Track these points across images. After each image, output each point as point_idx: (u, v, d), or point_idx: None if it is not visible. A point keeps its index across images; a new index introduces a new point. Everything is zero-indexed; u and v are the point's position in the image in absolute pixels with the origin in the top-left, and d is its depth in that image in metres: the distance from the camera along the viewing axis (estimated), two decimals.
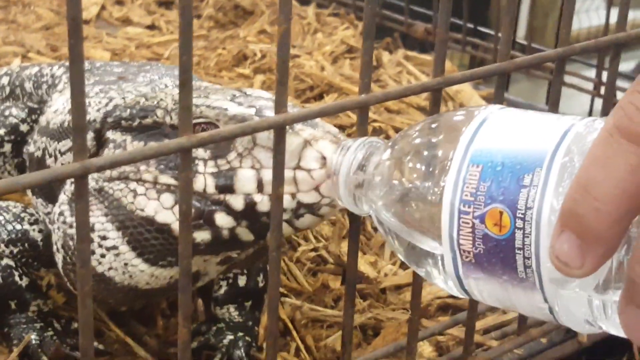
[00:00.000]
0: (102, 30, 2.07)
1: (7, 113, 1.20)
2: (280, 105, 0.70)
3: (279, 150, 0.71)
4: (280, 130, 0.70)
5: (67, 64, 1.24)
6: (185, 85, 0.64)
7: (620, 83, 1.76)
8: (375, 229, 1.24)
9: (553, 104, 0.90)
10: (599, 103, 1.84)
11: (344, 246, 1.18)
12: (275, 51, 1.85)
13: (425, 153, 0.67)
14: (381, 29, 2.03)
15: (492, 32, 1.96)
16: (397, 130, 1.53)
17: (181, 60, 0.64)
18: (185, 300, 0.71)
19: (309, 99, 1.66)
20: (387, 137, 1.50)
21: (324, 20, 2.08)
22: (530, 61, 0.86)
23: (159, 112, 0.85)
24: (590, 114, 1.87)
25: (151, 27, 2.13)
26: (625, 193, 0.51)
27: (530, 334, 1.00)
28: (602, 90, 1.81)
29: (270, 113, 0.81)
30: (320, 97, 1.66)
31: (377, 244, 1.22)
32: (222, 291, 1.05)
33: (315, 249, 1.19)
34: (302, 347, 1.02)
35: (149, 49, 1.97)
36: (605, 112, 0.97)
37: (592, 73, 1.80)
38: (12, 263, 0.98)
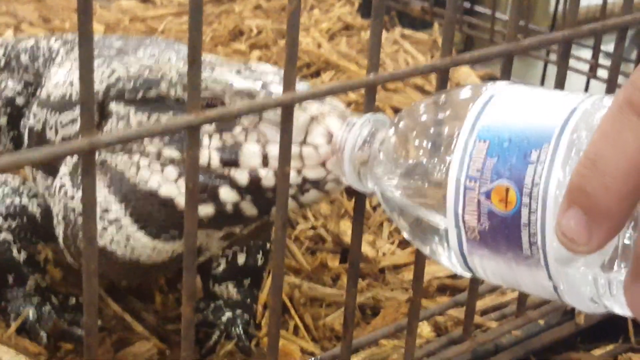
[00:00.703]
0: (96, 2, 2.05)
1: (2, 86, 1.19)
2: (288, 84, 0.69)
3: (286, 128, 0.70)
4: (288, 109, 0.69)
5: (65, 37, 1.23)
6: (194, 63, 0.63)
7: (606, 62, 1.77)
8: (374, 208, 1.24)
9: (558, 87, 0.89)
10: (594, 85, 1.85)
11: (343, 225, 1.18)
12: (271, 27, 1.84)
13: (432, 129, 0.67)
14: None
15: (487, 12, 1.95)
16: (394, 109, 1.52)
17: (191, 36, 0.63)
18: (189, 278, 0.70)
19: (305, 76, 1.65)
20: None
21: None
22: (537, 43, 0.86)
23: (163, 85, 0.83)
24: None
25: (145, 0, 2.11)
26: (635, 169, 0.50)
27: (528, 315, 1.01)
28: (599, 72, 1.81)
29: (276, 88, 0.80)
30: (317, 74, 1.66)
31: (375, 223, 1.22)
32: (220, 268, 1.05)
33: (313, 228, 1.18)
34: (300, 325, 1.02)
35: (143, 23, 1.96)
36: (609, 90, 0.96)
37: (582, 53, 1.79)
38: (10, 237, 0.98)
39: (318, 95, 0.72)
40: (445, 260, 0.68)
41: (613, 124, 0.51)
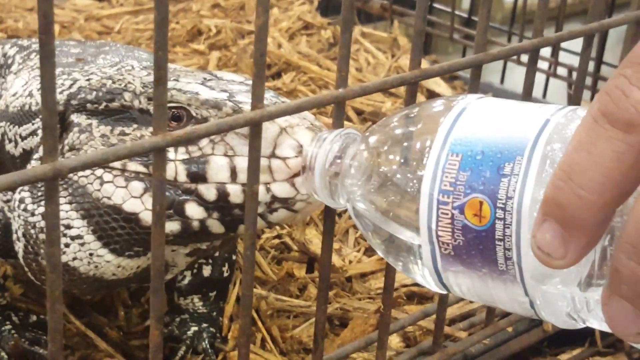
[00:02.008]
0: None
1: None
2: (257, 100, 0.67)
3: (254, 146, 0.68)
4: (256, 127, 0.68)
5: (20, 42, 1.20)
6: (160, 82, 0.61)
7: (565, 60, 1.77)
8: (339, 215, 1.23)
9: (527, 94, 0.89)
10: (553, 83, 1.86)
11: (309, 233, 1.16)
12: (230, 26, 1.81)
13: (404, 143, 0.66)
14: (337, 4, 2.01)
15: (447, 9, 1.94)
16: (357, 110, 1.51)
17: (156, 56, 0.61)
18: (157, 302, 0.68)
19: (266, 77, 1.63)
20: (347, 118, 1.48)
21: None
22: (506, 52, 0.85)
23: (127, 96, 0.81)
24: (544, 94, 1.87)
25: None
26: (610, 181, 0.49)
27: (497, 324, 1.00)
28: (558, 70, 1.81)
29: (242, 98, 0.78)
30: (278, 75, 1.64)
31: (341, 230, 1.21)
32: (186, 281, 1.03)
33: (279, 236, 1.17)
34: (267, 338, 1.01)
35: (98, 22, 1.92)
36: (576, 98, 0.96)
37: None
38: None
39: (287, 112, 0.70)
40: (419, 277, 0.66)
41: (588, 135, 0.50)
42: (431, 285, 0.66)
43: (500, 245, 0.58)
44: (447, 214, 0.60)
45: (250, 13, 1.90)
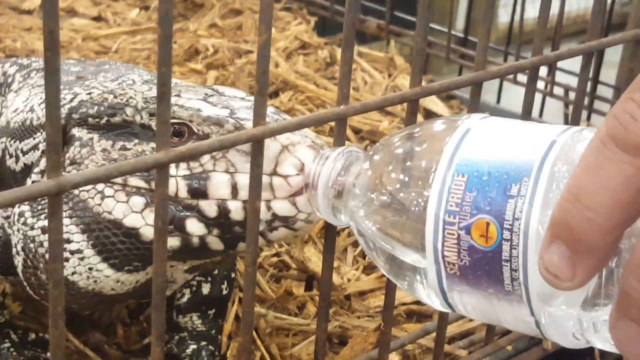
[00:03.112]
0: None
1: None
2: (259, 117, 0.68)
3: (257, 163, 0.69)
4: (259, 143, 0.68)
5: (20, 61, 1.20)
6: (163, 99, 0.61)
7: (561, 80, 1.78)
8: (338, 233, 1.23)
9: (526, 113, 0.89)
10: (550, 103, 1.86)
11: (307, 251, 1.16)
12: (227, 46, 1.81)
13: (408, 163, 0.66)
14: (334, 24, 2.02)
15: (443, 29, 1.94)
16: (355, 129, 1.51)
17: (160, 72, 0.61)
18: (158, 319, 0.68)
19: None
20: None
21: (276, 15, 2.05)
22: (506, 70, 0.85)
23: (129, 111, 0.81)
24: (541, 114, 1.88)
25: (97, 18, 2.07)
26: (619, 204, 0.49)
27: (497, 343, 1.00)
28: (555, 89, 1.82)
29: (244, 114, 0.79)
30: (275, 94, 1.64)
31: (339, 248, 1.20)
32: (185, 299, 1.02)
33: (277, 254, 1.17)
34: (267, 356, 1.00)
35: (96, 42, 1.92)
36: (575, 117, 0.97)
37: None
38: None
39: (289, 129, 0.71)
40: (424, 296, 0.66)
41: (596, 158, 0.50)
42: (436, 304, 0.66)
43: (506, 266, 0.58)
44: (453, 234, 0.60)
45: (247, 33, 1.91)
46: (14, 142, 0.92)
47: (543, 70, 1.81)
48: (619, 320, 0.52)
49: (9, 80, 1.15)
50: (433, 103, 1.67)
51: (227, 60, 1.77)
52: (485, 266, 0.59)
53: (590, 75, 1.69)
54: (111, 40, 1.92)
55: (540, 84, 1.81)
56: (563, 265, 0.52)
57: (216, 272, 1.03)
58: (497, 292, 0.60)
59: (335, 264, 1.17)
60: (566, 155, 0.58)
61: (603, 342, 0.57)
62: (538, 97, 1.84)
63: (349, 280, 1.14)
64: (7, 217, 0.94)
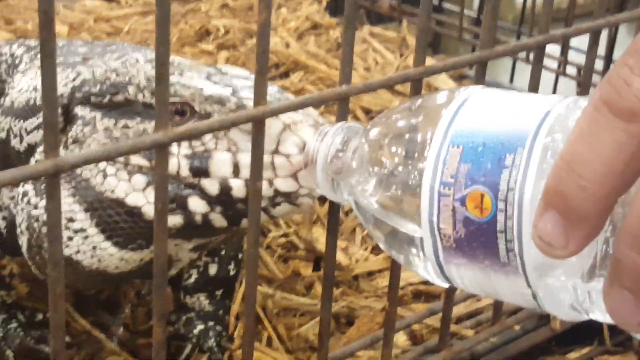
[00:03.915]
0: (59, 2, 2.01)
1: None
2: (259, 97, 0.67)
3: (258, 143, 0.68)
4: (259, 124, 0.68)
5: (28, 42, 1.20)
6: (161, 79, 0.61)
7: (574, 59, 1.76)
8: (347, 214, 1.23)
9: (532, 91, 0.88)
10: (563, 82, 1.85)
11: (315, 232, 1.16)
12: (239, 26, 1.81)
13: (405, 136, 0.65)
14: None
15: (455, 9, 1.93)
16: (365, 110, 1.51)
17: (157, 52, 0.61)
18: (159, 299, 0.68)
19: (274, 77, 1.63)
20: (355, 116, 1.48)
21: None
22: (512, 49, 0.85)
23: (131, 89, 0.81)
24: (554, 93, 1.86)
25: None
26: (612, 171, 0.48)
27: (504, 322, 1.00)
28: (567, 69, 1.80)
29: (246, 93, 0.78)
30: (286, 74, 1.64)
31: (347, 229, 1.20)
32: (192, 280, 1.03)
33: (285, 235, 1.17)
34: (274, 336, 1.01)
35: (107, 23, 1.93)
36: (583, 95, 0.95)
37: (550, 49, 1.77)
38: None
39: (290, 109, 0.71)
40: (422, 270, 0.66)
41: (589, 124, 0.49)
42: (433, 278, 0.66)
43: (501, 237, 0.58)
44: (448, 206, 0.60)
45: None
46: (18, 121, 0.93)
47: (556, 50, 1.80)
48: (611, 288, 0.51)
49: (17, 61, 1.15)
50: (444, 83, 1.66)
51: (238, 40, 1.76)
52: (480, 238, 0.59)
53: (605, 53, 1.68)
54: (123, 21, 1.92)
55: (554, 63, 1.80)
56: (556, 233, 0.51)
57: (223, 252, 1.03)
58: (493, 263, 0.59)
59: (344, 244, 1.17)
60: (561, 125, 0.57)
61: (602, 313, 0.57)
62: (551, 76, 1.83)
63: (357, 260, 1.14)
64: (12, 197, 0.94)
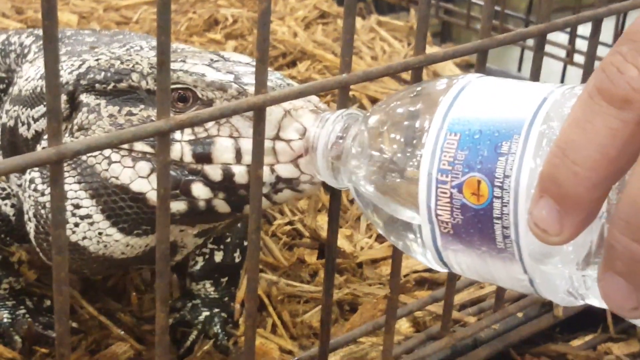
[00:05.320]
0: None
1: None
2: (260, 85, 0.68)
3: (258, 130, 0.69)
4: (260, 112, 0.68)
5: (37, 32, 1.21)
6: (163, 67, 0.62)
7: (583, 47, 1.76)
8: (352, 202, 1.23)
9: (534, 80, 0.89)
10: (571, 70, 1.85)
11: (320, 219, 1.17)
12: (247, 16, 1.81)
13: (404, 123, 0.66)
14: None
15: None
16: (371, 99, 1.51)
17: (159, 41, 0.61)
18: (162, 284, 0.69)
19: (281, 65, 1.64)
20: (361, 106, 1.49)
21: None
22: (512, 38, 0.85)
23: (135, 76, 0.82)
24: (562, 81, 1.86)
25: None
26: (605, 157, 0.49)
27: (507, 309, 1.00)
28: (575, 57, 1.80)
29: (248, 79, 0.79)
30: (293, 64, 1.64)
31: (352, 217, 1.21)
32: (198, 267, 1.04)
33: (290, 223, 1.17)
34: (278, 323, 1.02)
35: (117, 12, 1.93)
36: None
37: (558, 37, 1.77)
38: None
39: (290, 97, 0.71)
40: (420, 256, 0.67)
41: (583, 111, 0.50)
42: (432, 263, 0.66)
43: (498, 223, 0.58)
44: (445, 193, 0.61)
45: None
46: (26, 109, 0.94)
47: (565, 38, 1.80)
48: (605, 274, 0.52)
49: (25, 51, 1.16)
50: (451, 72, 1.67)
51: (246, 30, 1.77)
52: (477, 224, 0.60)
53: (612, 41, 1.68)
54: (132, 10, 1.93)
55: (562, 52, 1.80)
56: (551, 219, 0.52)
57: (229, 240, 1.04)
58: (490, 250, 0.60)
59: (348, 232, 1.17)
60: (557, 112, 0.58)
61: (598, 299, 0.58)
62: (559, 64, 1.83)
63: (361, 248, 1.15)
64: (20, 185, 0.95)
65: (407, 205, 0.64)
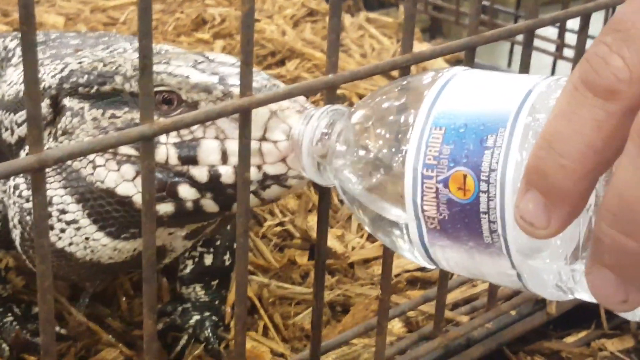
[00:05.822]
0: None
1: None
2: (245, 88, 0.67)
3: (244, 133, 0.68)
4: (246, 115, 0.67)
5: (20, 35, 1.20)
6: (145, 71, 0.61)
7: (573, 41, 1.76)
8: (342, 202, 1.22)
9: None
10: (561, 64, 1.84)
11: (311, 220, 1.16)
12: (235, 15, 1.81)
13: (389, 118, 0.65)
14: None
15: None
16: (360, 96, 1.51)
17: (141, 44, 0.61)
18: (149, 291, 0.68)
19: (270, 65, 1.63)
20: (351, 104, 1.48)
21: None
22: (500, 34, 0.84)
23: (118, 79, 0.81)
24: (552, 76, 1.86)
25: None
26: (591, 149, 0.48)
27: (499, 307, 1.00)
28: (565, 52, 1.80)
29: (234, 80, 0.78)
30: (282, 62, 1.63)
31: (343, 217, 1.20)
32: (187, 270, 1.03)
33: (281, 224, 1.17)
34: (270, 325, 1.01)
35: (104, 13, 1.92)
36: None
37: (548, 31, 1.77)
38: None
39: (276, 99, 0.70)
40: (408, 253, 0.66)
41: (569, 103, 0.49)
42: (420, 260, 0.66)
43: (485, 218, 0.58)
44: (431, 188, 0.60)
45: (255, 2, 1.90)
46: (9, 114, 0.93)
47: (554, 33, 1.80)
48: (593, 267, 0.51)
49: (9, 54, 1.15)
50: (440, 68, 1.66)
51: (234, 29, 1.76)
52: (464, 219, 0.59)
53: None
54: (119, 11, 1.92)
55: (551, 47, 1.80)
56: (538, 213, 0.51)
57: (218, 243, 1.03)
58: (477, 245, 0.59)
59: (339, 232, 1.17)
60: (542, 104, 0.57)
61: (587, 293, 0.57)
62: (549, 59, 1.83)
63: (353, 248, 1.14)
64: (5, 191, 0.94)
65: (393, 202, 0.63)
